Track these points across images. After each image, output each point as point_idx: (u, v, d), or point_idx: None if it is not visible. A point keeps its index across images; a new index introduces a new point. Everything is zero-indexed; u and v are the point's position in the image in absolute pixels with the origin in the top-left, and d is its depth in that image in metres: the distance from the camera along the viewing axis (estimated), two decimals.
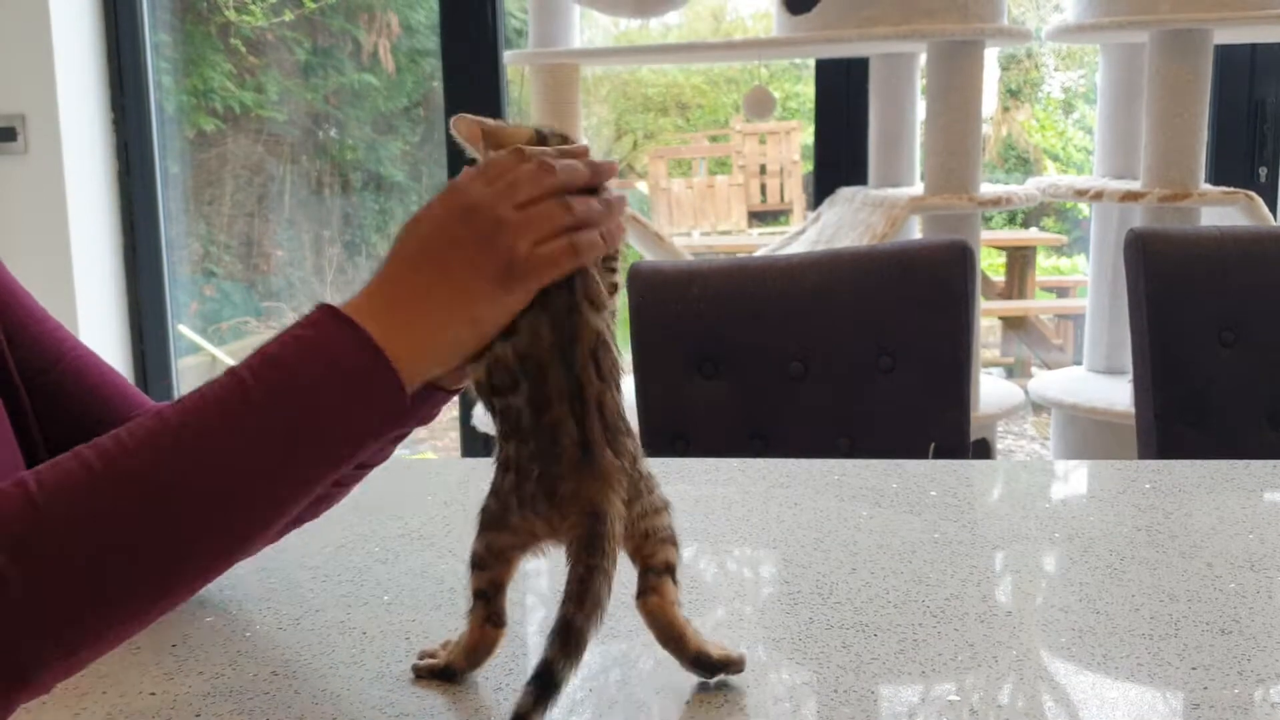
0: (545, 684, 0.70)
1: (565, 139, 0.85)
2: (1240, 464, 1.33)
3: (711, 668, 0.82)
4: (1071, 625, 0.94)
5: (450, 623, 0.95)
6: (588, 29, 3.98)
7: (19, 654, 0.65)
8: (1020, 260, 5.42)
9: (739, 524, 1.19)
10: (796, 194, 5.93)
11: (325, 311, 0.74)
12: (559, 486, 0.75)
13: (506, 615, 0.82)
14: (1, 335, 0.93)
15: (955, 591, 1.00)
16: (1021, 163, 6.16)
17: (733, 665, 0.83)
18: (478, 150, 0.87)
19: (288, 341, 0.73)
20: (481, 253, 0.75)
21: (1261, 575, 1.02)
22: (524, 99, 3.39)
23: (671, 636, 0.80)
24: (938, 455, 1.63)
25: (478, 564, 0.80)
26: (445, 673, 0.84)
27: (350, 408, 0.72)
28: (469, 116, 0.86)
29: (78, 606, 0.66)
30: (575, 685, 0.85)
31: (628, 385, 1.66)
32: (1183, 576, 1.02)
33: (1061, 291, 5.73)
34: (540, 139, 0.84)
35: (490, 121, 0.85)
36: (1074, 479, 1.42)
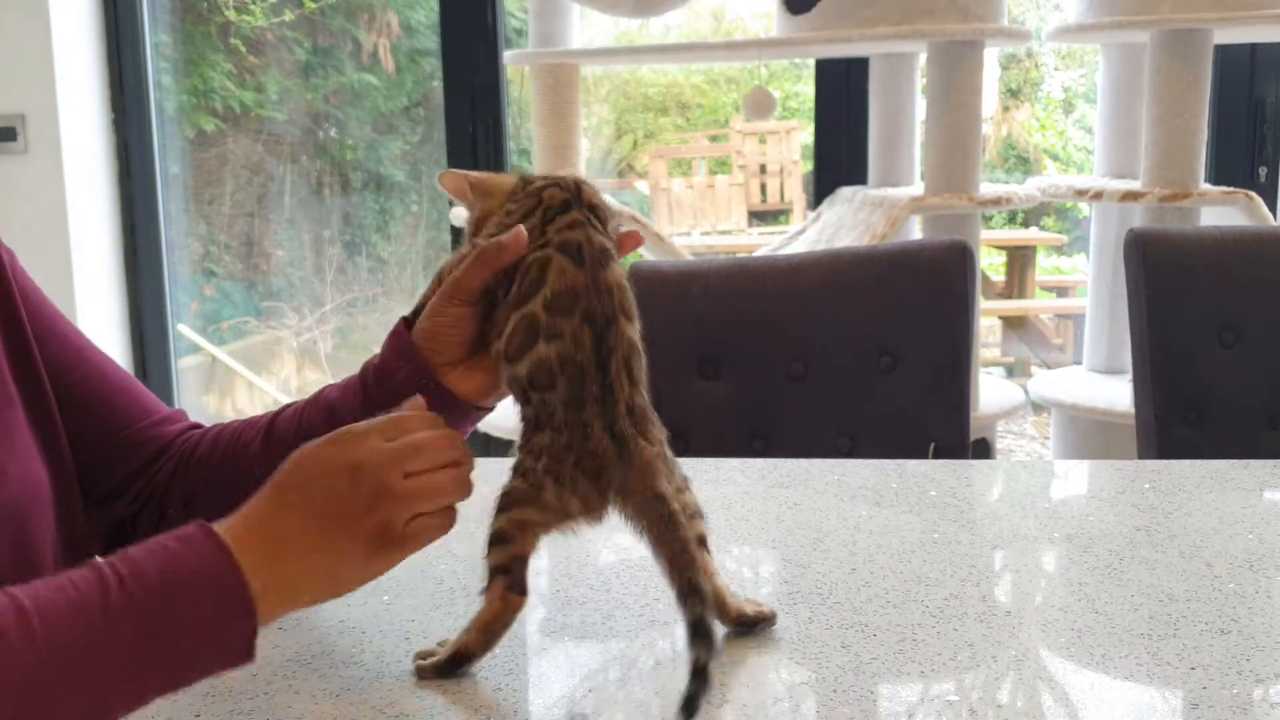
0: (703, 681, 0.75)
1: (554, 183, 0.87)
2: (1240, 464, 1.33)
3: (752, 624, 0.91)
4: (1071, 625, 0.94)
5: (449, 622, 0.95)
6: (588, 29, 3.98)
7: None
8: (1020, 260, 5.42)
9: (738, 524, 1.19)
10: (796, 194, 5.93)
11: (200, 530, 0.73)
12: (604, 472, 0.80)
13: (528, 586, 0.84)
14: (34, 343, 0.93)
15: (954, 591, 1.00)
16: (1021, 162, 6.16)
17: (767, 620, 0.91)
18: (466, 203, 0.88)
19: (156, 551, 0.71)
20: (357, 516, 0.76)
21: (1260, 575, 1.02)
22: (524, 99, 3.39)
23: (716, 604, 0.86)
24: (937, 455, 1.63)
25: (500, 539, 0.82)
26: (455, 661, 0.84)
27: (203, 633, 0.71)
28: (455, 171, 0.89)
29: None
30: (575, 684, 0.85)
31: None
32: (1182, 576, 1.02)
33: (1061, 291, 5.73)
34: (524, 184, 0.88)
35: (475, 174, 0.89)
36: (1073, 479, 1.42)
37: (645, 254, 2.70)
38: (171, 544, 0.72)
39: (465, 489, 0.81)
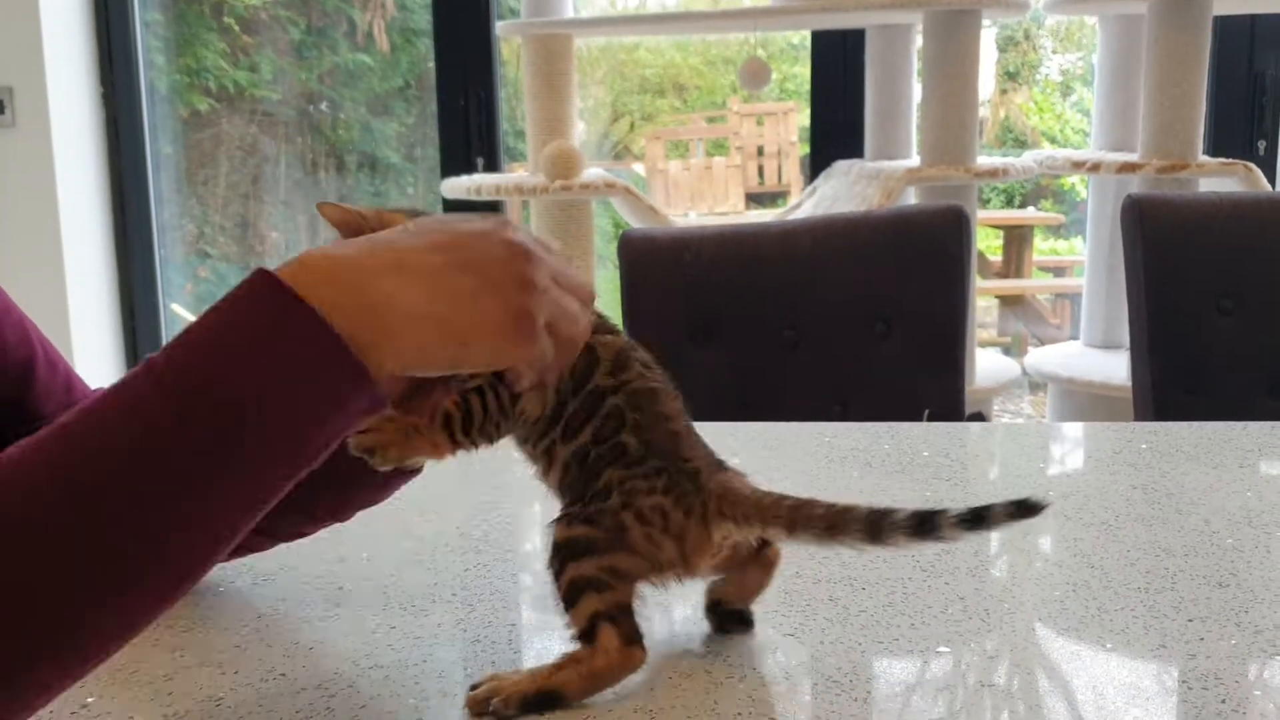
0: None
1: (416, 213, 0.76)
2: (1238, 425, 1.31)
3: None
4: (1066, 580, 0.92)
5: (429, 579, 0.93)
6: (583, 7, 3.96)
7: None
8: (1017, 240, 5.40)
9: None
10: (794, 176, 5.90)
11: (263, 281, 0.59)
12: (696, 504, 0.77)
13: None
14: None
15: (946, 547, 0.98)
16: (1019, 145, 6.14)
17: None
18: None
19: (216, 322, 0.59)
20: (504, 284, 0.63)
21: (1260, 531, 1.00)
22: (518, 80, 3.37)
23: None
24: (932, 421, 1.61)
25: (597, 587, 0.74)
26: (543, 699, 0.73)
27: (305, 399, 0.58)
28: (338, 204, 0.75)
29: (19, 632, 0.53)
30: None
31: None
32: (1179, 532, 1.00)
33: (1058, 271, 5.71)
34: (413, 215, 0.76)
35: (364, 210, 0.76)
36: (1069, 440, 1.40)
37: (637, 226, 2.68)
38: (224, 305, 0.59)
39: (584, 335, 0.69)
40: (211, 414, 0.56)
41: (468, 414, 0.74)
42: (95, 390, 0.93)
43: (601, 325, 0.77)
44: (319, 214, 0.75)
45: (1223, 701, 0.72)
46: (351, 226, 0.74)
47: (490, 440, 0.76)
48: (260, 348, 0.57)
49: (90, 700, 0.74)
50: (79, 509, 0.54)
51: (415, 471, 0.81)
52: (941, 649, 0.80)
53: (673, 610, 0.87)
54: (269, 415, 0.57)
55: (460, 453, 0.75)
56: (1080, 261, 3.55)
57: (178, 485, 0.55)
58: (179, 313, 3.82)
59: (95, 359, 3.37)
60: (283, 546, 0.92)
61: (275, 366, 0.57)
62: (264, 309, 0.58)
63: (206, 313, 0.59)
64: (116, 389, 0.57)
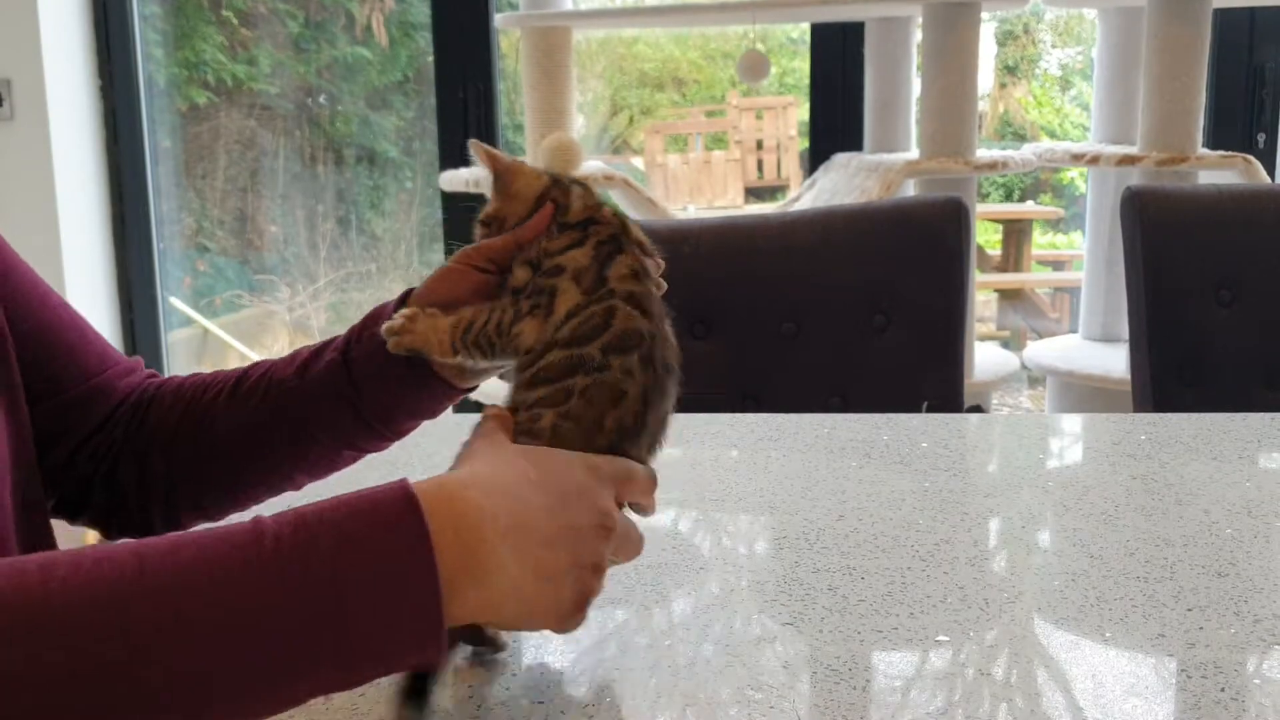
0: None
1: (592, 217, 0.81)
2: (1237, 417, 1.31)
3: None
4: (1065, 569, 0.92)
5: None
6: (582, 2, 3.95)
7: None
8: (1016, 234, 5.40)
9: (725, 475, 1.17)
10: (793, 170, 5.89)
11: (398, 486, 0.60)
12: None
13: None
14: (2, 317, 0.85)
15: (946, 537, 0.98)
16: (1018, 139, 6.13)
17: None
18: (490, 180, 0.82)
19: (333, 504, 0.59)
20: (583, 575, 0.67)
21: (1259, 521, 1.00)
22: (517, 74, 3.36)
23: None
24: (930, 413, 1.61)
25: None
26: None
27: (377, 611, 0.57)
28: (487, 148, 0.82)
29: None
30: (571, 660, 0.83)
31: None
32: (1179, 522, 1.00)
33: (1058, 266, 5.71)
34: (554, 189, 0.82)
35: (505, 160, 0.82)
36: (1068, 432, 1.40)
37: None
38: (355, 499, 0.60)
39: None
40: (308, 603, 0.55)
41: (470, 324, 0.78)
42: (132, 360, 0.94)
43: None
44: (471, 150, 0.82)
45: (1221, 690, 0.72)
46: (497, 173, 0.82)
47: (484, 354, 0.78)
48: (377, 575, 0.57)
49: None
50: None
51: (466, 390, 0.85)
52: (941, 638, 0.80)
53: (676, 600, 0.87)
54: (352, 637, 0.56)
55: (460, 358, 0.78)
56: (1079, 256, 3.55)
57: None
58: (177, 306, 3.81)
59: None
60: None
61: (378, 602, 0.57)
62: (395, 535, 0.58)
63: (338, 502, 0.59)
64: (218, 541, 0.56)
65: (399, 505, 0.59)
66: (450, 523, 0.60)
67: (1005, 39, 6.02)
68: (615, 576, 0.90)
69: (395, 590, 0.57)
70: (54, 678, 0.50)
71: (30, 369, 0.86)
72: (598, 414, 0.73)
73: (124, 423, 0.91)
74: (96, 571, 0.53)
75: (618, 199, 2.79)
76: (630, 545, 0.72)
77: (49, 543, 0.88)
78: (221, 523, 0.64)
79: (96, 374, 0.91)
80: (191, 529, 0.59)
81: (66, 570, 0.52)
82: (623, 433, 0.74)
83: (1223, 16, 2.80)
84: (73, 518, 0.93)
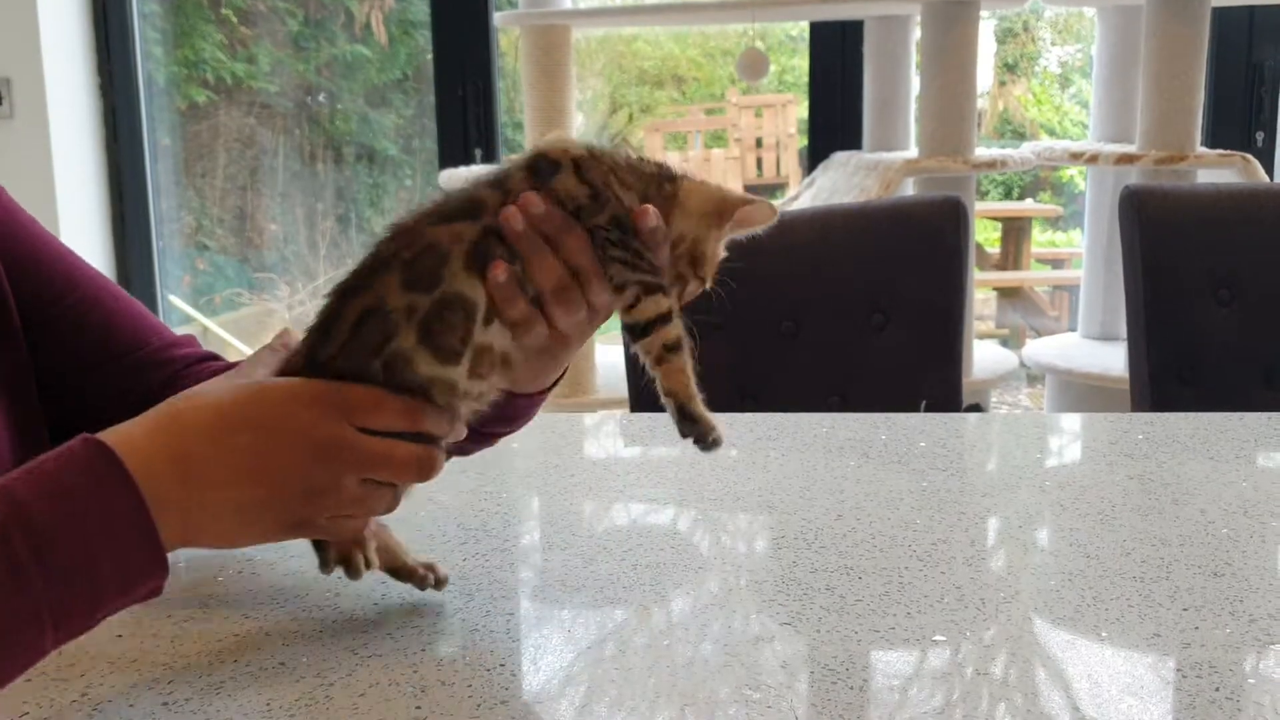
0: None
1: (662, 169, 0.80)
2: (1234, 416, 1.31)
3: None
4: (1061, 569, 0.92)
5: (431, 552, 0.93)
6: (583, 1, 3.95)
7: None
8: (1016, 232, 5.40)
9: (723, 474, 1.17)
10: (792, 168, 5.89)
11: (86, 444, 0.64)
12: None
13: None
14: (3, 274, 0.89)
15: (943, 537, 0.98)
16: (1018, 137, 6.13)
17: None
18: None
19: (41, 474, 0.63)
20: (293, 497, 0.70)
21: (1255, 521, 1.00)
22: (517, 72, 3.36)
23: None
24: (929, 412, 1.61)
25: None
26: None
27: (98, 559, 0.63)
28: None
29: None
30: (569, 660, 0.83)
31: (616, 349, 1.62)
32: (1175, 522, 1.00)
33: (1057, 263, 5.71)
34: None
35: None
36: (1065, 431, 1.40)
37: None
38: (51, 464, 0.64)
39: (393, 502, 0.75)
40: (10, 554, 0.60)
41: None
42: (181, 337, 0.97)
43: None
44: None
45: (1217, 689, 0.73)
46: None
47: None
48: (80, 508, 0.62)
49: (89, 689, 0.75)
50: None
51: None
52: (938, 638, 0.80)
53: (675, 600, 0.87)
54: (61, 572, 0.61)
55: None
56: (1079, 254, 3.55)
57: None
58: (176, 304, 3.82)
59: None
60: None
61: (90, 532, 0.62)
62: (91, 477, 0.63)
63: (41, 461, 0.64)
64: None
65: (93, 457, 0.64)
66: (144, 464, 0.65)
67: (1005, 36, 6.02)
68: (615, 577, 0.90)
69: (110, 530, 0.63)
70: None
71: (71, 342, 0.90)
72: (368, 345, 0.73)
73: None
74: None
75: None
76: (392, 466, 0.73)
77: None
78: None
79: (143, 346, 0.94)
80: None
81: None
82: (395, 360, 0.72)
83: (1221, 15, 2.80)
84: None
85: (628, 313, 0.77)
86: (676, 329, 0.77)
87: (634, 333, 0.77)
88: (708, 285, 0.82)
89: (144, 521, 0.64)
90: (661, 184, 0.78)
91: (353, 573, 0.81)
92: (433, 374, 0.73)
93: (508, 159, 0.80)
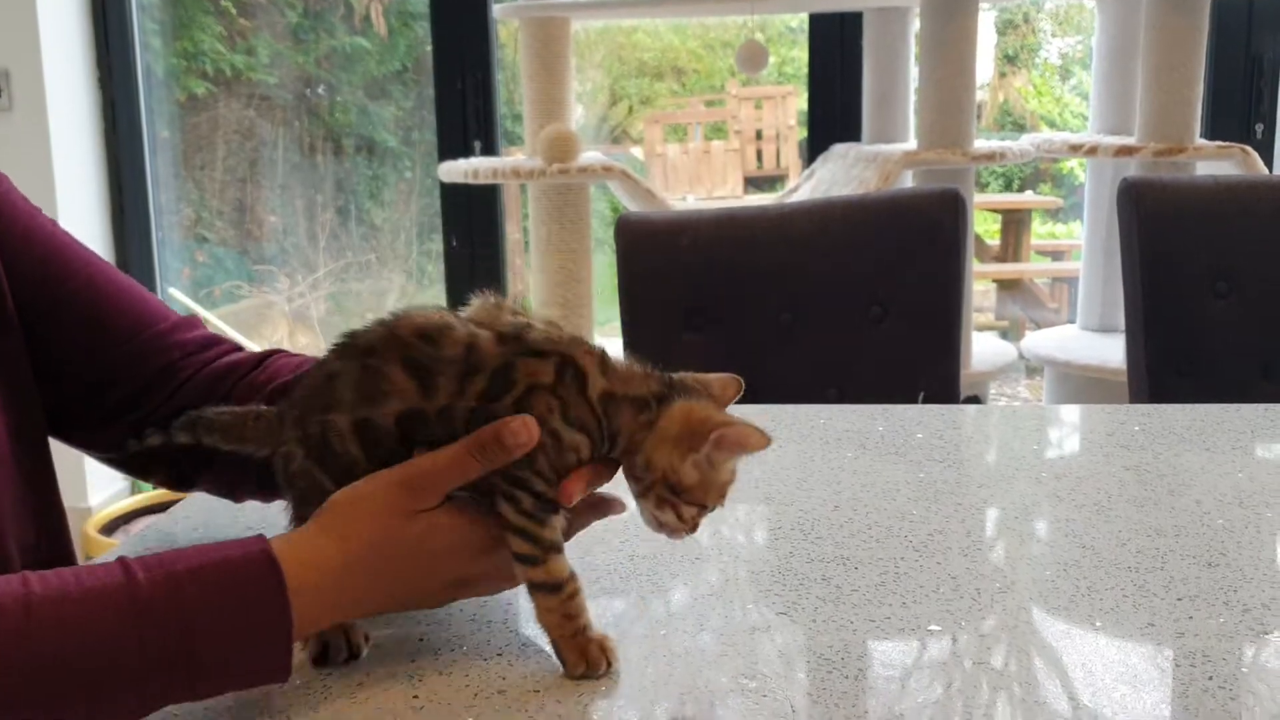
0: None
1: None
2: (1231, 408, 1.32)
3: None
4: (1056, 559, 0.92)
5: None
6: None
7: None
8: (1015, 224, 5.40)
9: None
10: (792, 159, 5.89)
11: (260, 551, 0.69)
12: None
13: None
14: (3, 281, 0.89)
15: (939, 527, 0.98)
16: (1018, 128, 6.12)
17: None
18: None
19: (193, 551, 0.69)
20: (431, 594, 0.78)
21: (1250, 512, 1.01)
22: (516, 63, 3.36)
23: None
24: (927, 404, 1.61)
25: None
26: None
27: (232, 632, 0.67)
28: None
29: None
30: None
31: (615, 340, 1.64)
32: (1171, 513, 1.01)
33: (1056, 255, 5.71)
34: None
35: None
36: (1063, 422, 1.41)
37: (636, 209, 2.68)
38: (214, 549, 0.70)
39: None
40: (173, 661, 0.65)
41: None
42: (184, 319, 0.97)
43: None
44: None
45: (1210, 679, 0.73)
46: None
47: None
48: (237, 624, 0.67)
49: None
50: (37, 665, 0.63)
51: None
52: (934, 628, 0.81)
53: (672, 590, 0.88)
54: (212, 677, 0.67)
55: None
56: (1078, 245, 3.55)
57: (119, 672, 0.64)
58: (177, 297, 3.82)
59: None
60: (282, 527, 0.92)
61: (240, 650, 0.67)
62: (253, 589, 0.68)
63: (199, 551, 0.69)
64: (86, 578, 0.66)
65: (258, 567, 0.69)
66: (304, 600, 0.69)
67: (1005, 28, 6.01)
68: (612, 567, 0.90)
69: (249, 645, 0.68)
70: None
71: (73, 328, 0.91)
72: None
73: (199, 388, 0.94)
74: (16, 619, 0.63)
75: (616, 190, 2.79)
76: (510, 583, 0.79)
77: (58, 511, 0.94)
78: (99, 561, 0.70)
79: (147, 329, 0.94)
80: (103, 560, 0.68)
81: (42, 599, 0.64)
82: None
83: (1221, 7, 2.80)
84: (144, 475, 0.99)
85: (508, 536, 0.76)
86: (546, 573, 0.75)
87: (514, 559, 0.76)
88: (711, 508, 0.78)
89: (285, 653, 0.69)
90: (641, 411, 0.76)
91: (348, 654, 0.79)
92: None
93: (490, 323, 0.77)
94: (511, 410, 0.73)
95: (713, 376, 0.81)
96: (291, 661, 0.69)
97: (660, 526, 0.78)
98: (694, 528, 0.78)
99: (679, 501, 0.76)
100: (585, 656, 0.74)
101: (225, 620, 0.67)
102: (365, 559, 0.73)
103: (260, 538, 0.70)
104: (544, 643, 0.79)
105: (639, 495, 0.77)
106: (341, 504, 0.74)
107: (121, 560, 0.68)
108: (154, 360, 0.94)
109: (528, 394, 0.74)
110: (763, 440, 0.76)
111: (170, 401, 0.93)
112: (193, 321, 0.98)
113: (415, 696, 0.73)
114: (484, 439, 0.73)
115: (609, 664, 0.74)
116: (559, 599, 0.75)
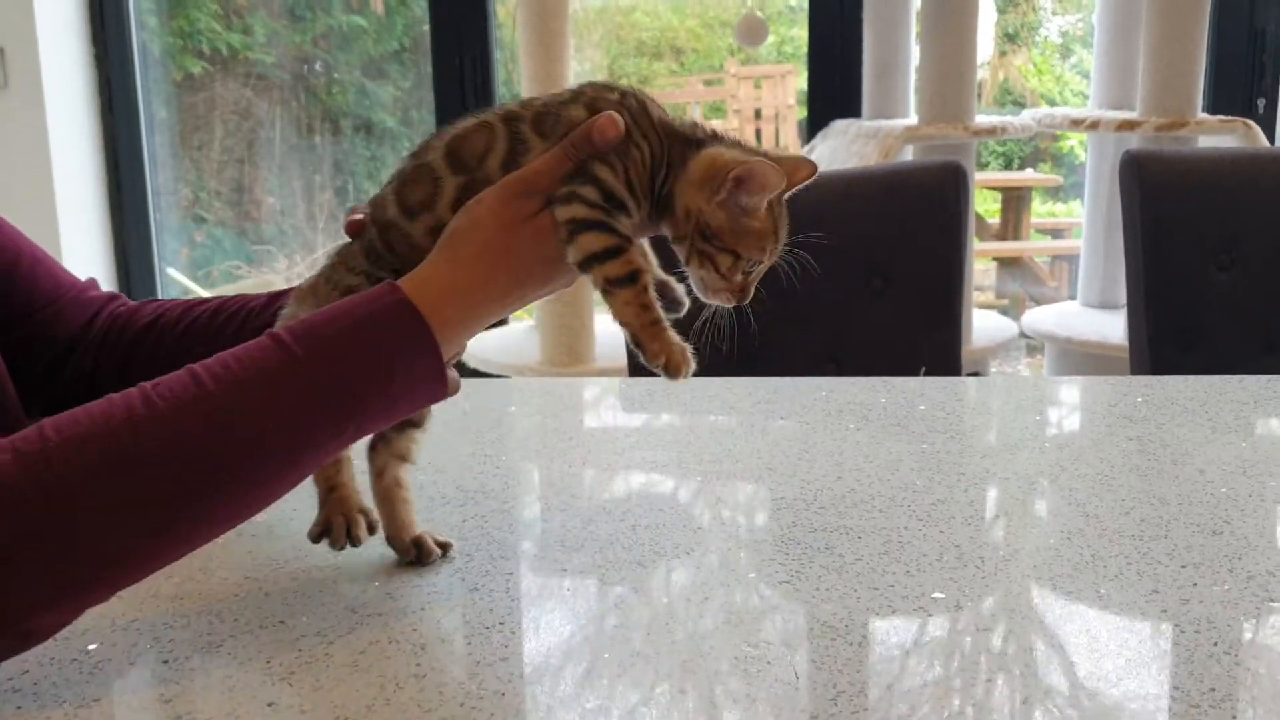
0: None
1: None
2: (1234, 379, 1.31)
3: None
4: (1060, 528, 0.92)
5: (426, 530, 0.93)
6: None
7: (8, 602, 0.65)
8: (1015, 201, 5.38)
9: (723, 437, 1.17)
10: (792, 138, 5.86)
11: (389, 292, 0.75)
12: None
13: None
14: None
15: (942, 497, 0.98)
16: (1018, 107, 6.10)
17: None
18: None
19: (341, 314, 0.74)
20: (537, 293, 0.81)
21: (1254, 480, 1.00)
22: (514, 43, 3.34)
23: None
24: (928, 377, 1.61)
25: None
26: None
27: (394, 391, 0.73)
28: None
29: (77, 565, 0.66)
30: (568, 618, 0.83)
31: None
32: (1174, 482, 1.00)
33: (1056, 234, 5.70)
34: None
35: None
36: (1065, 394, 1.40)
37: None
38: (349, 304, 0.75)
39: None
40: (331, 396, 0.72)
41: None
42: (86, 282, 1.02)
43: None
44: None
45: (1214, 644, 0.73)
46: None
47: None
48: (380, 351, 0.74)
49: (91, 647, 0.75)
50: (213, 437, 0.69)
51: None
52: (937, 595, 0.80)
53: (675, 559, 0.87)
54: (370, 404, 0.73)
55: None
56: (1078, 224, 3.55)
57: (290, 429, 0.71)
58: (175, 277, 3.81)
59: None
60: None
61: (390, 378, 0.73)
62: (389, 322, 0.74)
63: (338, 307, 0.75)
64: (240, 354, 0.72)
65: (397, 312, 0.74)
66: (431, 305, 0.75)
67: (1005, 6, 5.98)
68: (614, 538, 0.90)
69: (406, 379, 0.74)
70: (201, 446, 0.69)
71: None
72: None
73: (95, 348, 0.98)
74: (195, 389, 0.70)
75: None
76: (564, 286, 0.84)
77: None
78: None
79: (57, 298, 0.98)
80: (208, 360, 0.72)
81: (210, 372, 0.71)
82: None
83: None
84: None
85: (567, 248, 0.77)
86: (621, 265, 0.76)
87: (580, 268, 0.78)
88: (748, 260, 0.81)
89: (428, 342, 0.74)
90: (684, 147, 0.79)
91: (348, 541, 0.85)
92: None
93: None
94: (584, 114, 0.78)
95: (785, 154, 0.85)
96: (446, 375, 0.76)
97: (705, 289, 0.81)
98: (740, 290, 0.82)
99: (713, 250, 0.79)
100: (666, 347, 0.77)
101: (367, 345, 0.73)
102: (491, 273, 0.77)
103: (393, 284, 0.76)
104: (546, 611, 0.79)
105: (685, 260, 0.80)
106: (462, 229, 0.77)
107: (270, 334, 0.73)
108: (74, 319, 0.98)
109: (594, 102, 0.79)
110: (779, 177, 0.79)
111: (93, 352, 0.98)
112: (93, 283, 1.03)
113: (418, 664, 0.72)
114: (575, 139, 0.77)
115: (689, 368, 0.78)
116: (635, 290, 0.76)
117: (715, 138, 0.81)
